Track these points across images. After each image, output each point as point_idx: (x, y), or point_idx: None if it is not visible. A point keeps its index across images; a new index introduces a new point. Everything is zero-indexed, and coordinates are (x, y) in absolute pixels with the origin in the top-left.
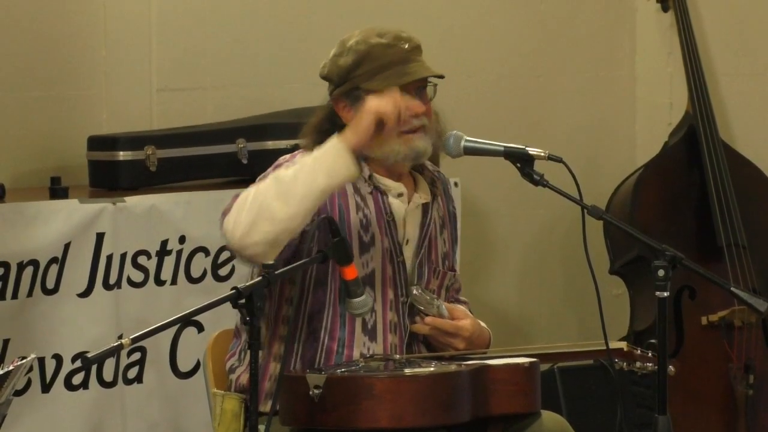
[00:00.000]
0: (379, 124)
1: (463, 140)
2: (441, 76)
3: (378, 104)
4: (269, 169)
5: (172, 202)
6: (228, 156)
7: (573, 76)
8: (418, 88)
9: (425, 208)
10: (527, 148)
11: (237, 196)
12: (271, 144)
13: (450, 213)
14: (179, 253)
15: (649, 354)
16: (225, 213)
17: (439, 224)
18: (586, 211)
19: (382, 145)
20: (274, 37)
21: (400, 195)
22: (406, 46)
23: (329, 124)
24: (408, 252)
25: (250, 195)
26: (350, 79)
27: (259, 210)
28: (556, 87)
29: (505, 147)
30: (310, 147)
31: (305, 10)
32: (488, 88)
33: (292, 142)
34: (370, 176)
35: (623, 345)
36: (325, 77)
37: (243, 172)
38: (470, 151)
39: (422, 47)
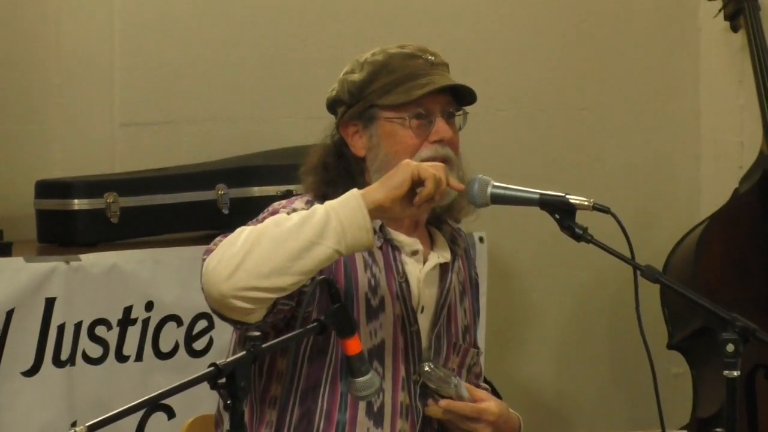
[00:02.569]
0: (415, 185)
1: (490, 186)
2: (471, 93)
3: (419, 163)
4: (264, 215)
5: (138, 260)
6: (205, 205)
7: (623, 110)
8: (444, 113)
9: (444, 270)
10: (567, 196)
11: (225, 235)
12: (257, 190)
13: (472, 280)
14: (146, 322)
15: None
16: (208, 251)
17: (459, 291)
18: (639, 272)
19: (405, 209)
20: (261, 61)
21: (414, 253)
22: (432, 59)
23: (335, 158)
24: (423, 321)
25: (244, 233)
26: (364, 97)
27: (250, 252)
28: (603, 122)
29: (540, 194)
30: (313, 189)
31: (298, 31)
32: (520, 123)
33: (283, 188)
34: (381, 227)
35: None
36: (332, 102)
37: (223, 224)
38: (499, 200)
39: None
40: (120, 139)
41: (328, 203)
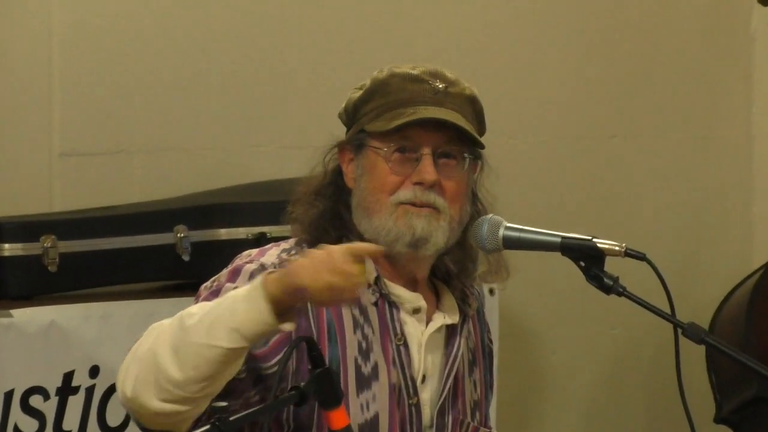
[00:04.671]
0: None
1: (503, 228)
2: (469, 134)
3: (307, 265)
4: (224, 273)
5: (81, 316)
6: (162, 250)
7: (660, 137)
8: (436, 152)
9: (451, 333)
10: (594, 240)
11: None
12: (224, 233)
13: (485, 347)
14: (90, 391)
15: None
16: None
17: (469, 359)
18: (680, 331)
19: (372, 216)
20: (227, 82)
21: (416, 311)
22: (440, 87)
23: (327, 190)
24: (425, 393)
25: (152, 334)
26: (358, 119)
27: (149, 363)
28: (637, 152)
29: (562, 238)
30: (299, 231)
31: (272, 46)
32: (537, 154)
33: (255, 229)
34: (377, 279)
35: None
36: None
37: (183, 273)
38: (512, 244)
39: (474, 100)
40: (59, 172)
41: (234, 291)
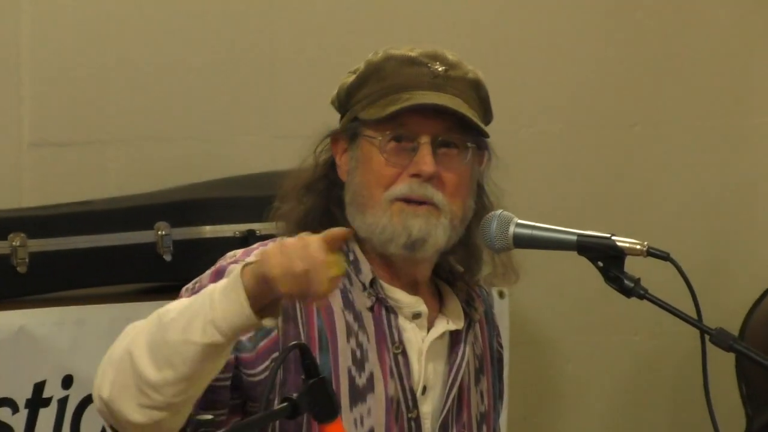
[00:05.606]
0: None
1: (513, 224)
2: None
3: (278, 252)
4: (206, 274)
5: (53, 322)
6: (141, 249)
7: (687, 126)
8: (435, 140)
9: (455, 340)
10: (614, 238)
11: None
12: (209, 230)
13: (493, 353)
14: (62, 403)
15: None
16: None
17: (475, 367)
18: (708, 337)
19: (365, 212)
20: (212, 66)
21: (416, 316)
22: (439, 70)
23: (325, 182)
24: (426, 406)
25: (129, 334)
26: (351, 106)
27: (126, 365)
28: (661, 142)
29: (578, 235)
30: (287, 230)
31: (262, 27)
32: (553, 143)
33: (243, 227)
34: (372, 282)
35: None
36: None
37: (165, 274)
38: (524, 242)
39: (478, 84)
40: (29, 164)
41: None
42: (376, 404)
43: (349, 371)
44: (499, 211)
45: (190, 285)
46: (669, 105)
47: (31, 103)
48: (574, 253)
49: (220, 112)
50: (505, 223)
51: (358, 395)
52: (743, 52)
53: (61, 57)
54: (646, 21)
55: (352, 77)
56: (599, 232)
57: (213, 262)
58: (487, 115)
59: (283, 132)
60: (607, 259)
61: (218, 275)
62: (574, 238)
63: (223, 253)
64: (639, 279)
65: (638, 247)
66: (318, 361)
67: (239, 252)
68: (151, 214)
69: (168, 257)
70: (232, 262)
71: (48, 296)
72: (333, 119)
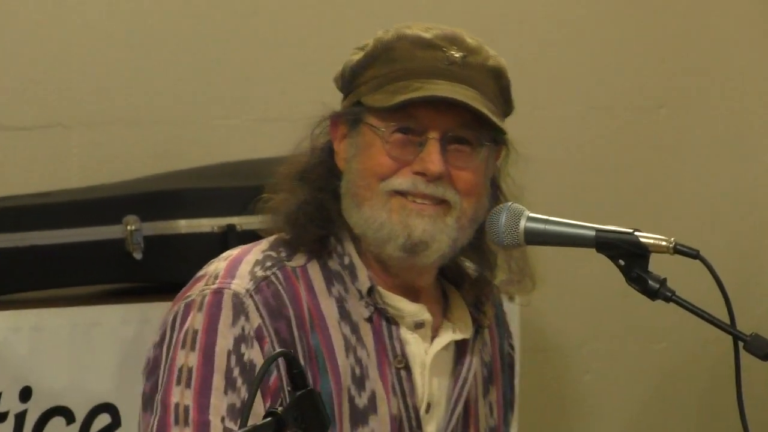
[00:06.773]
0: None
1: (524, 218)
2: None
3: None
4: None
5: (9, 327)
6: (108, 246)
7: (718, 108)
8: (446, 135)
9: (461, 350)
10: (637, 233)
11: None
12: (184, 225)
13: (504, 357)
14: (20, 418)
15: None
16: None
17: (484, 377)
18: (741, 344)
19: (361, 205)
20: (187, 42)
21: (419, 326)
22: (457, 56)
23: (321, 170)
24: (430, 425)
25: None
26: (355, 88)
27: None
28: (690, 126)
29: (597, 231)
30: (278, 227)
31: None
32: (570, 127)
33: (223, 221)
34: (370, 290)
35: None
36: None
37: (135, 275)
38: (536, 238)
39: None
40: None
41: None
42: (380, 424)
43: (350, 391)
44: (509, 203)
45: (182, 337)
46: (698, 85)
47: None
48: (593, 251)
49: (194, 94)
50: (516, 217)
51: (359, 417)
52: None
53: (18, 30)
54: None
55: (359, 55)
56: (620, 227)
57: (187, 261)
58: (507, 107)
59: (265, 115)
60: (629, 257)
61: (194, 336)
62: (593, 233)
63: (199, 251)
64: (665, 279)
65: (664, 243)
66: (319, 384)
67: (222, 268)
68: (118, 206)
69: (138, 255)
70: (216, 291)
71: (3, 299)
72: (324, 100)
